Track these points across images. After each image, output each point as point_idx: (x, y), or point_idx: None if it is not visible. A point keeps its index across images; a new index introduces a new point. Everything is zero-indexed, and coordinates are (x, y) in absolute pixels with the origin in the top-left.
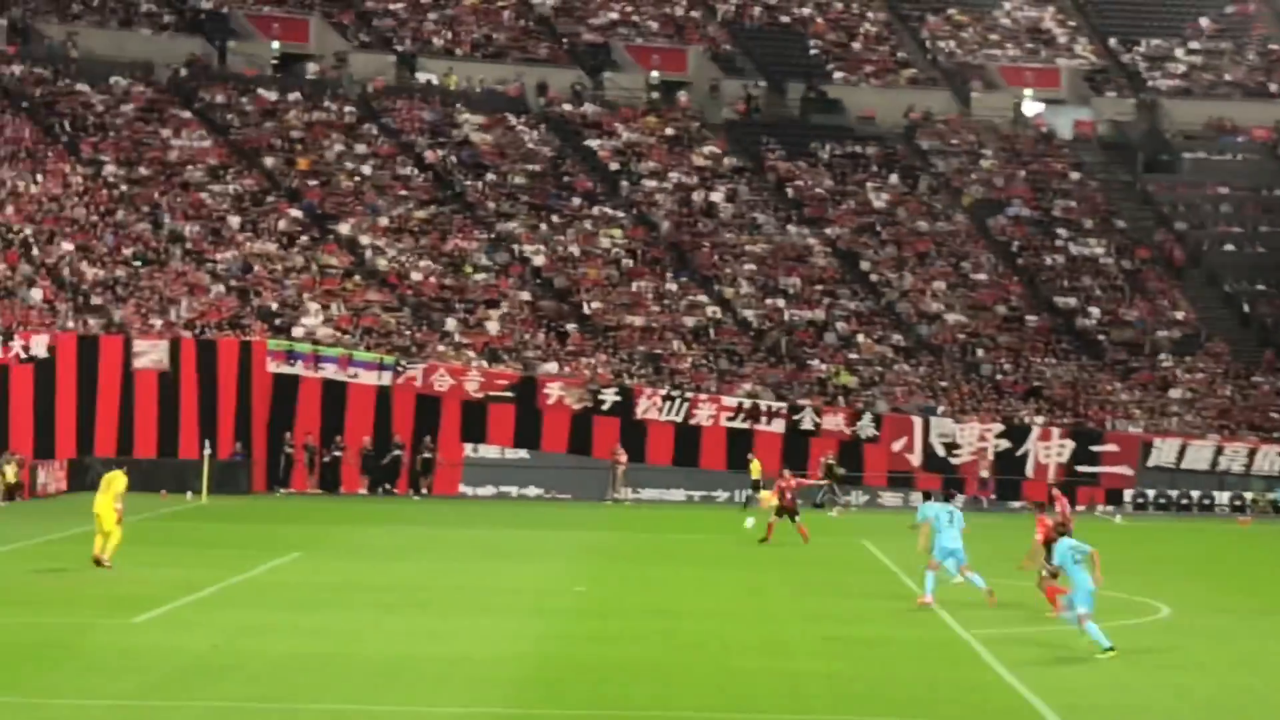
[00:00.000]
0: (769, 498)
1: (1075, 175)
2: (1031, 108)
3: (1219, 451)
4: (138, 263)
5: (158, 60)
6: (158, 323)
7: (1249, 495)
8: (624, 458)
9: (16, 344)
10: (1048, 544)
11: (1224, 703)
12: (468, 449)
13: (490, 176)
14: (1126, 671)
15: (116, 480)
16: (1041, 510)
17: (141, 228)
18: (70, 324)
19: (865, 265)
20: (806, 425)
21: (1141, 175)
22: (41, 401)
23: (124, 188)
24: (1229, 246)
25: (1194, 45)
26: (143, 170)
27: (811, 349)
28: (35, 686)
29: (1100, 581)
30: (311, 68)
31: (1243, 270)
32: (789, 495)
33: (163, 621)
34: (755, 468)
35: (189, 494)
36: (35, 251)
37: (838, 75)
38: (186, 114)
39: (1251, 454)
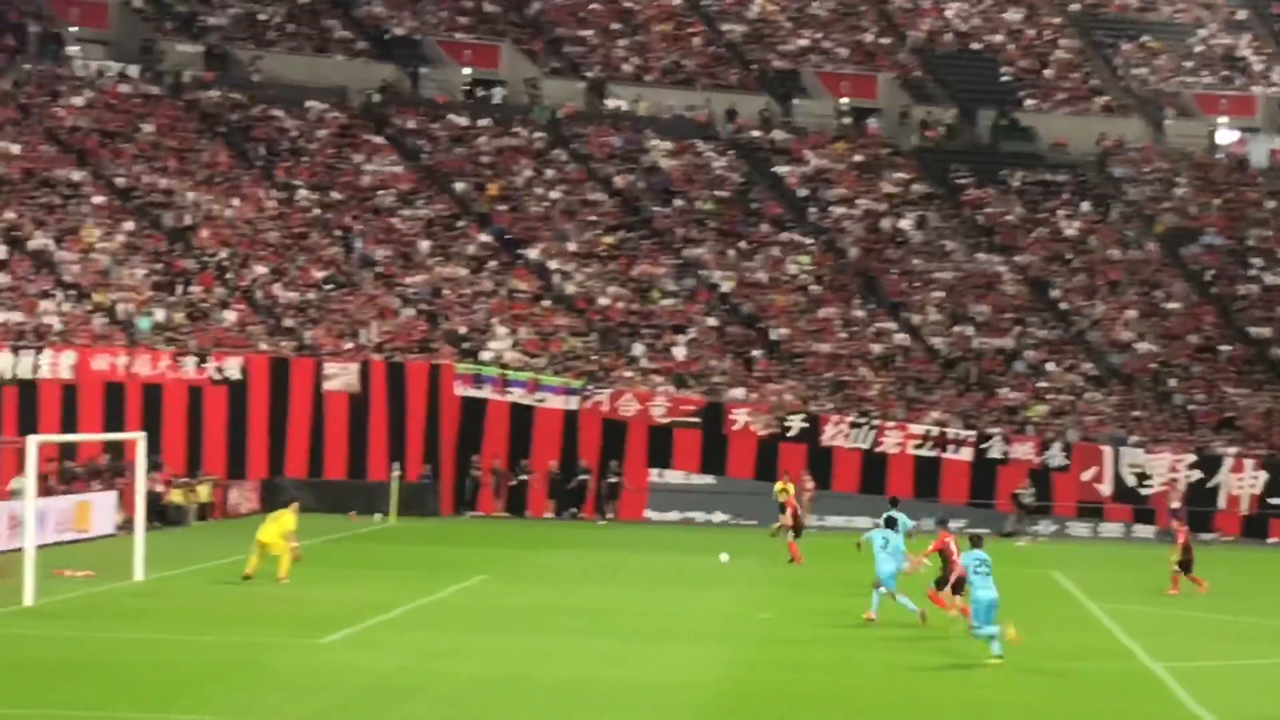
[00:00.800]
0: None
1: (1270, 204)
2: (1226, 136)
3: None
4: (329, 286)
5: (351, 86)
6: (348, 345)
7: None
8: (810, 485)
9: (210, 365)
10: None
11: None
12: (653, 474)
13: (678, 202)
14: None
15: (285, 519)
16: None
17: (333, 251)
18: (263, 346)
19: (1055, 293)
20: (995, 454)
21: None
22: (234, 422)
23: (317, 211)
24: None
25: None
26: (335, 194)
27: (1000, 377)
28: (224, 706)
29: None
30: (501, 93)
31: None
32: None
33: (351, 642)
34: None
35: (377, 515)
36: (230, 274)
37: (1029, 102)
38: (379, 139)
39: None
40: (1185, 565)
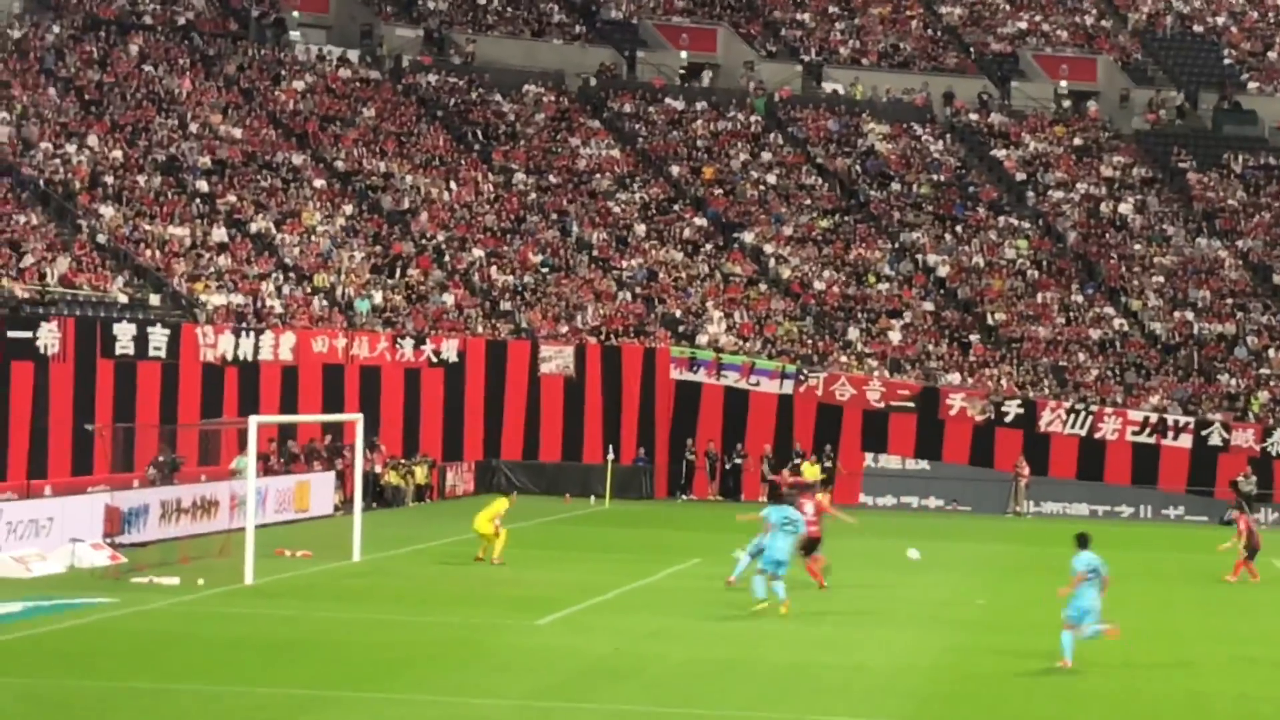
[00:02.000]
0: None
1: None
2: None
3: None
4: (545, 269)
5: (567, 70)
6: (564, 328)
7: None
8: (1027, 470)
9: (428, 348)
10: None
11: None
12: (868, 459)
13: (895, 186)
14: None
15: (498, 503)
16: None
17: (550, 235)
18: (480, 329)
19: (1278, 278)
20: (1215, 441)
21: None
22: (451, 404)
23: (533, 195)
24: None
25: None
26: (551, 178)
27: (1221, 363)
28: (444, 685)
29: None
30: (712, 75)
31: None
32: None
33: (566, 623)
34: (811, 471)
35: (592, 498)
36: (447, 257)
37: (1252, 85)
38: (595, 123)
39: None
40: (1251, 552)
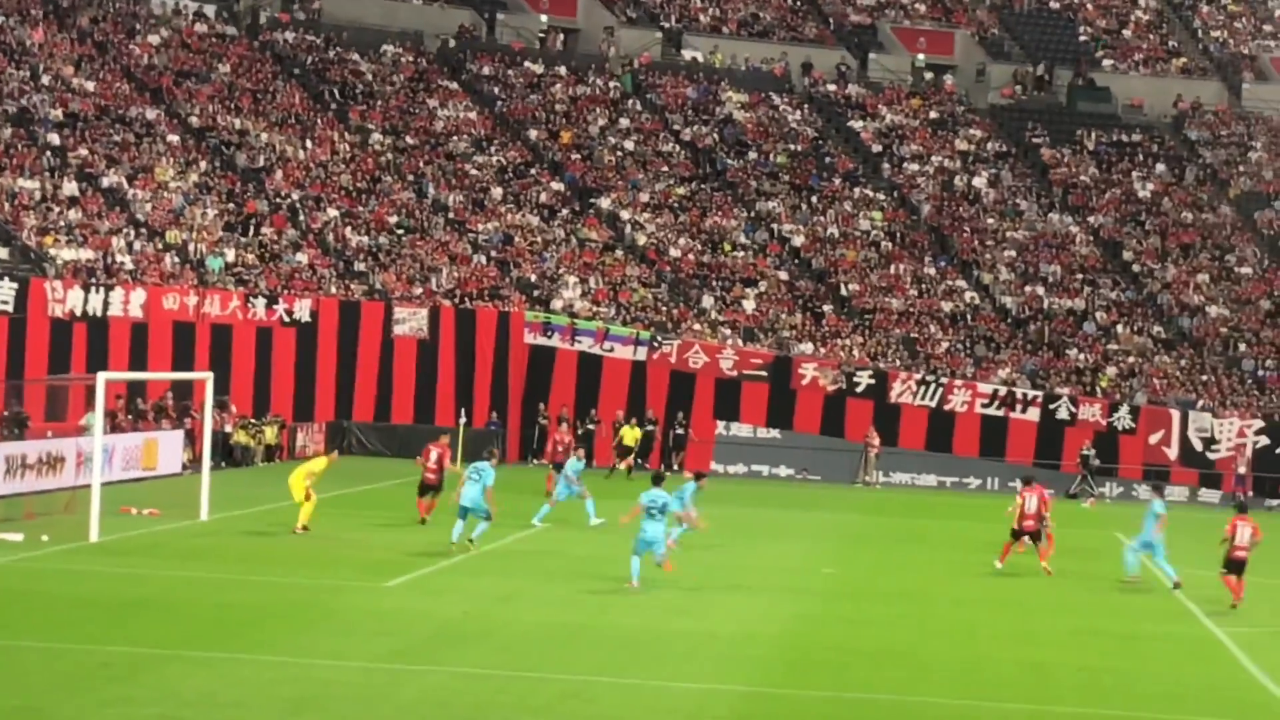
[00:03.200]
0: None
1: None
2: None
3: None
4: (401, 231)
5: (427, 30)
6: (418, 290)
7: None
8: (877, 441)
9: (280, 307)
10: None
11: None
12: (720, 427)
13: (752, 155)
14: None
15: (317, 461)
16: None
17: (406, 196)
18: (333, 289)
19: (1128, 255)
20: (1062, 415)
21: None
22: (303, 365)
23: (390, 156)
24: None
25: None
26: (409, 139)
27: (1070, 338)
28: (287, 646)
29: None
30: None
31: None
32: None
33: (414, 586)
34: (631, 434)
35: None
36: (302, 217)
37: (1107, 63)
38: (454, 85)
39: None
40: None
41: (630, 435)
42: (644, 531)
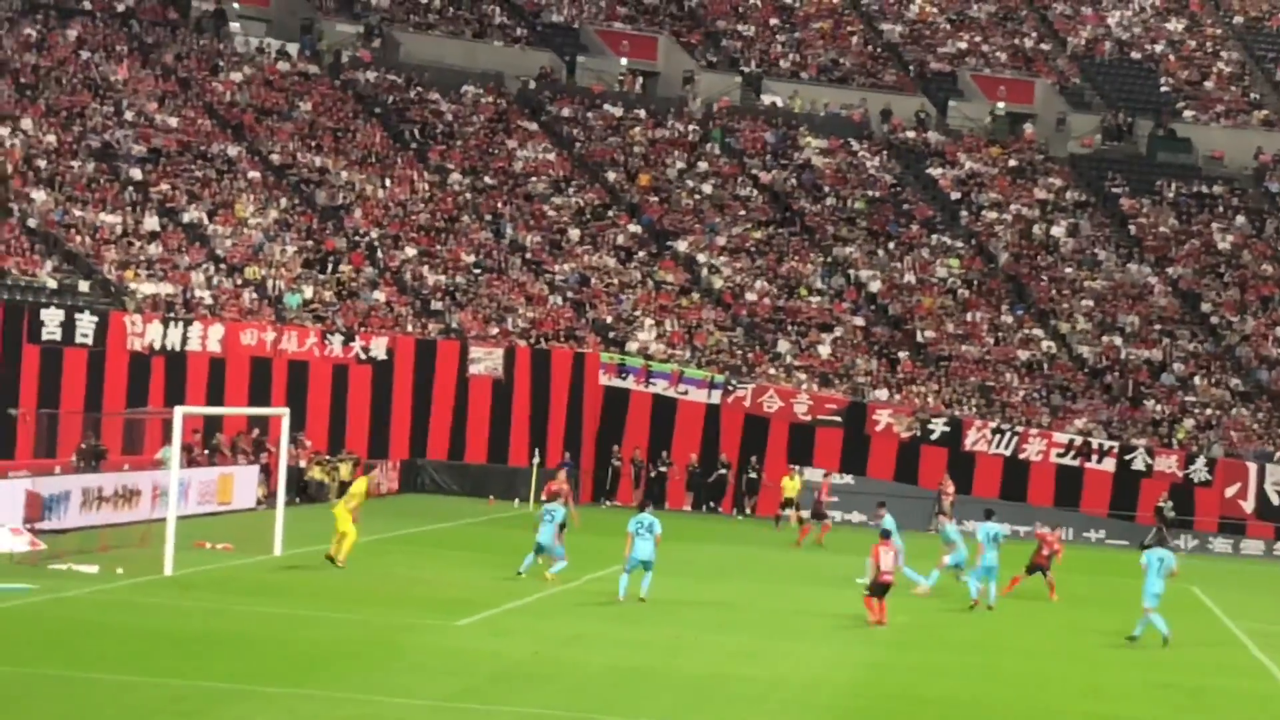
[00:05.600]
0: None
1: None
2: None
3: None
4: (478, 270)
5: (507, 72)
6: (494, 330)
7: None
8: (951, 488)
9: (357, 344)
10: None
11: None
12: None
13: (829, 200)
14: None
15: (358, 483)
16: None
17: (483, 236)
18: (409, 327)
19: (1206, 307)
20: (1138, 465)
21: None
22: (378, 402)
23: (468, 195)
24: None
25: None
26: (487, 179)
27: (1148, 389)
28: (360, 684)
29: None
30: (652, 84)
31: None
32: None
33: (485, 626)
34: (791, 485)
35: (516, 501)
36: (380, 255)
37: (1188, 114)
38: (533, 126)
39: None
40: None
41: (791, 486)
42: (636, 551)
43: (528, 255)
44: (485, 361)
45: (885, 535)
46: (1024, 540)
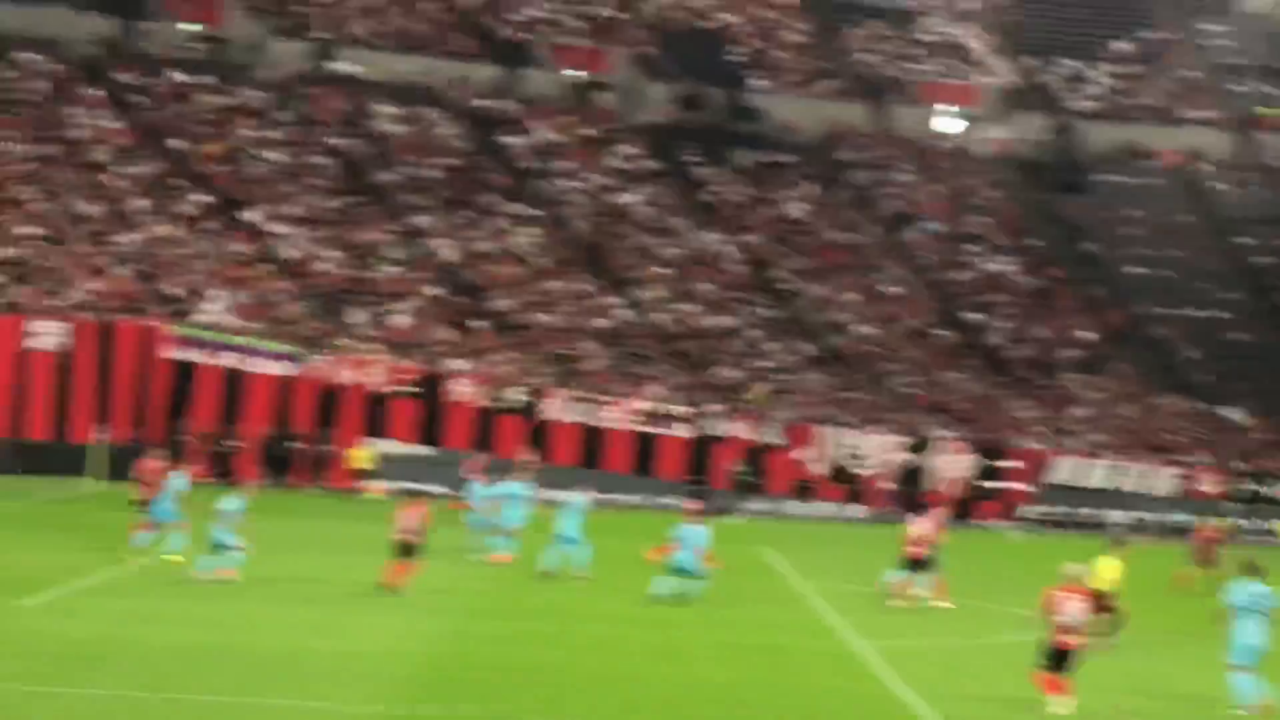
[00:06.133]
0: None
1: (990, 192)
2: (949, 124)
3: (1117, 471)
4: (39, 242)
5: (69, 37)
6: (56, 303)
7: (1145, 516)
8: (530, 458)
9: None
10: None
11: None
12: (369, 443)
13: (404, 170)
14: (1020, 686)
15: None
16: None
17: (45, 207)
18: None
19: (778, 274)
20: (713, 431)
21: (1054, 195)
22: None
23: (29, 166)
24: (1136, 269)
25: (1110, 69)
26: (48, 149)
27: (721, 355)
28: None
29: None
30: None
31: (1148, 293)
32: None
33: (51, 606)
34: (362, 456)
35: (83, 478)
36: None
37: (759, 83)
38: (96, 93)
39: (1147, 474)
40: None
41: (362, 458)
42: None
43: (91, 226)
44: (47, 336)
45: (412, 495)
46: (604, 510)
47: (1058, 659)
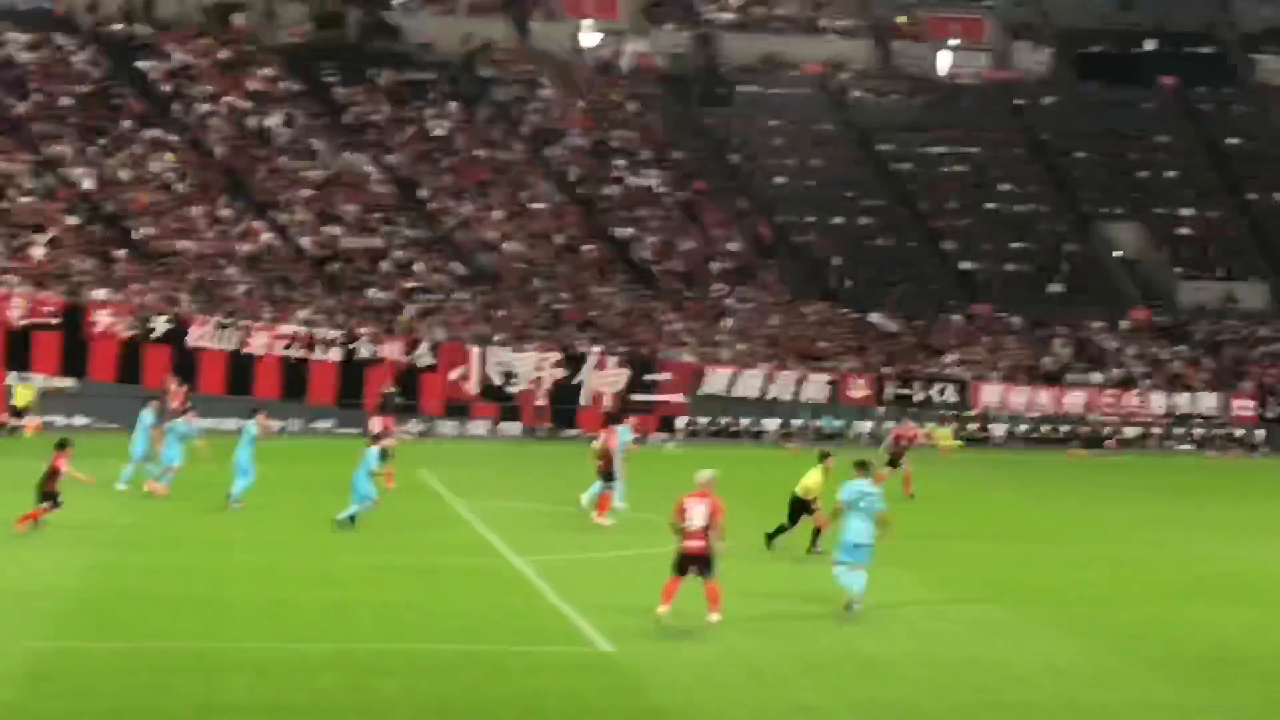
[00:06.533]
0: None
1: (633, 106)
2: (590, 38)
3: (769, 380)
4: None
5: None
6: None
7: (796, 422)
8: (176, 387)
9: None
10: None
11: (772, 618)
12: (10, 377)
13: (36, 97)
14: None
15: None
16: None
17: None
18: None
19: (424, 193)
20: (363, 354)
21: (697, 108)
22: None
23: None
24: (781, 179)
25: None
26: None
27: (369, 277)
28: None
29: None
30: None
31: (794, 203)
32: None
33: None
34: (23, 393)
35: None
36: None
37: (397, 1)
38: None
39: (799, 382)
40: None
41: (22, 395)
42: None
43: None
44: None
45: (61, 445)
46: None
47: (684, 563)
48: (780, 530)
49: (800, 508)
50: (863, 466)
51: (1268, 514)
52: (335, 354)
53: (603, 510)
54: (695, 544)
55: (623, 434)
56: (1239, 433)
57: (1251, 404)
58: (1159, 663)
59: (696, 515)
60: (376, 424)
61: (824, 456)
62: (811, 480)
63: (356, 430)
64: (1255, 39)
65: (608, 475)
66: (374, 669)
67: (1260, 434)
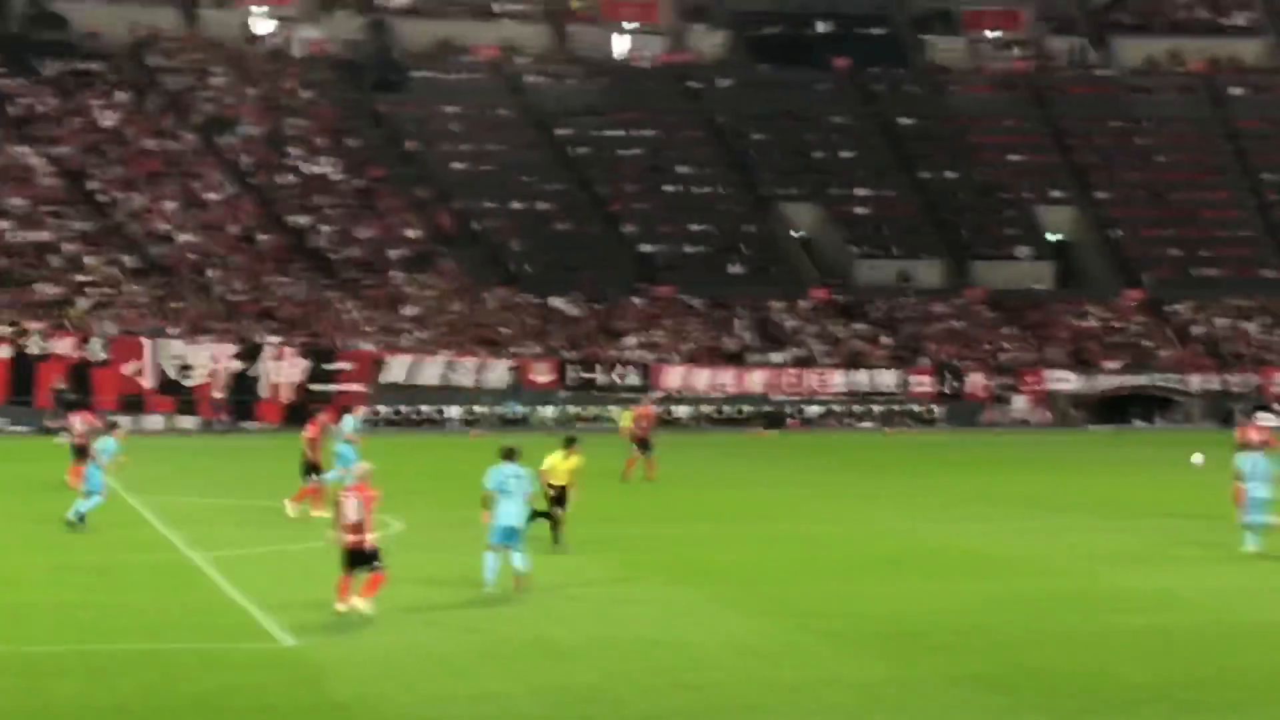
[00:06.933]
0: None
1: (306, 94)
2: (262, 25)
3: (450, 367)
4: None
5: None
6: None
7: (480, 409)
8: None
9: None
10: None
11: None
12: None
13: None
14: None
15: None
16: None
17: None
18: None
19: (93, 185)
20: (34, 350)
21: (372, 94)
22: None
23: None
24: (459, 165)
25: None
26: None
27: (38, 271)
28: None
29: None
30: None
31: (472, 189)
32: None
33: None
34: None
35: None
36: None
37: None
38: None
39: (481, 368)
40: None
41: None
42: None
43: None
44: None
45: None
46: None
47: (353, 559)
48: (554, 524)
49: (557, 498)
50: (510, 454)
51: (945, 487)
52: (4, 351)
53: (301, 500)
54: (353, 538)
55: (348, 423)
56: (917, 409)
57: (929, 380)
58: (841, 637)
59: (350, 509)
60: (77, 422)
61: (569, 442)
62: (559, 467)
63: (28, 429)
64: (925, 21)
65: (314, 467)
66: (49, 671)
67: (937, 409)
